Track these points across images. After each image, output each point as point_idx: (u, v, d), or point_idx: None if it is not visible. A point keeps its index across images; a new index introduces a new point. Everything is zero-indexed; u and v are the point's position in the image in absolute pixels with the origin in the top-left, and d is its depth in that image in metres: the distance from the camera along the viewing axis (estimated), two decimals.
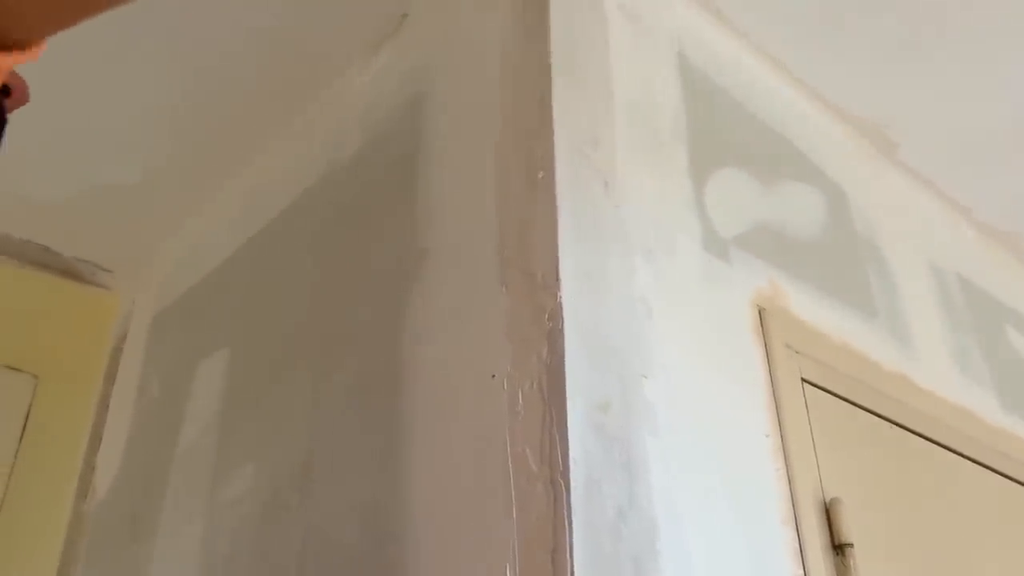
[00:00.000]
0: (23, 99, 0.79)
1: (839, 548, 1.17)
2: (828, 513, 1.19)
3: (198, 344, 1.81)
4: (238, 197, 1.93)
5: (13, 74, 0.76)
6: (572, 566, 0.88)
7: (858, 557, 1.17)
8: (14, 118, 0.75)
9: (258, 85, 1.74)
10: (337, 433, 1.30)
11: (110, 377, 2.17)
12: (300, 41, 1.65)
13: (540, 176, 1.14)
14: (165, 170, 1.95)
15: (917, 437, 1.44)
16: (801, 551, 1.12)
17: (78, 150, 1.90)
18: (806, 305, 1.39)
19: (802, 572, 1.11)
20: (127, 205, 2.05)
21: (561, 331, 1.01)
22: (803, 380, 1.28)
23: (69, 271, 2.26)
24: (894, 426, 1.41)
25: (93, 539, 1.87)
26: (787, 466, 1.18)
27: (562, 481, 0.93)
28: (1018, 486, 1.58)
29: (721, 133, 1.44)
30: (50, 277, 2.24)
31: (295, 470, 1.34)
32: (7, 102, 0.76)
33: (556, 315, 1.03)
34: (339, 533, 1.20)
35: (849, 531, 1.17)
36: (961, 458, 1.51)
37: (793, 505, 1.15)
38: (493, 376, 1.07)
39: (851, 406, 1.35)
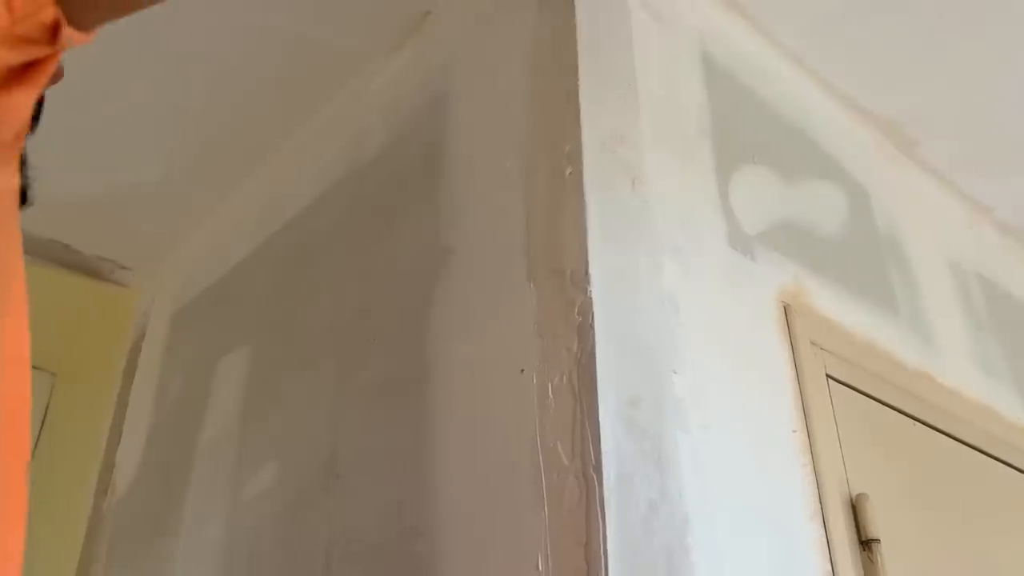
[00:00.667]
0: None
1: (866, 543, 1.17)
2: (854, 508, 1.19)
3: (219, 341, 1.82)
4: (258, 195, 1.93)
5: None
6: (605, 559, 0.88)
7: (884, 553, 1.17)
8: None
9: (279, 83, 1.75)
10: (362, 430, 1.30)
11: (129, 374, 2.18)
12: (321, 40, 1.66)
13: (568, 172, 1.14)
14: (185, 168, 1.96)
15: (940, 434, 1.44)
16: (828, 546, 1.13)
17: (99, 149, 1.91)
18: (830, 302, 1.39)
19: (830, 567, 1.11)
20: (147, 203, 2.06)
21: (591, 326, 1.02)
22: (828, 376, 1.28)
23: (89, 269, 2.27)
24: (917, 423, 1.41)
25: (114, 536, 1.88)
26: (814, 462, 1.18)
27: (594, 474, 0.93)
28: None
29: (745, 131, 1.45)
30: (70, 275, 2.25)
31: (319, 467, 1.35)
32: None
33: (586, 310, 1.03)
34: (365, 529, 1.21)
35: (876, 526, 1.17)
36: (984, 456, 1.51)
37: (820, 500, 1.15)
38: (522, 371, 1.07)
39: (875, 403, 1.35)
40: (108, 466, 2.06)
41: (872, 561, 1.16)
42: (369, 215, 1.53)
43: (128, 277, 2.31)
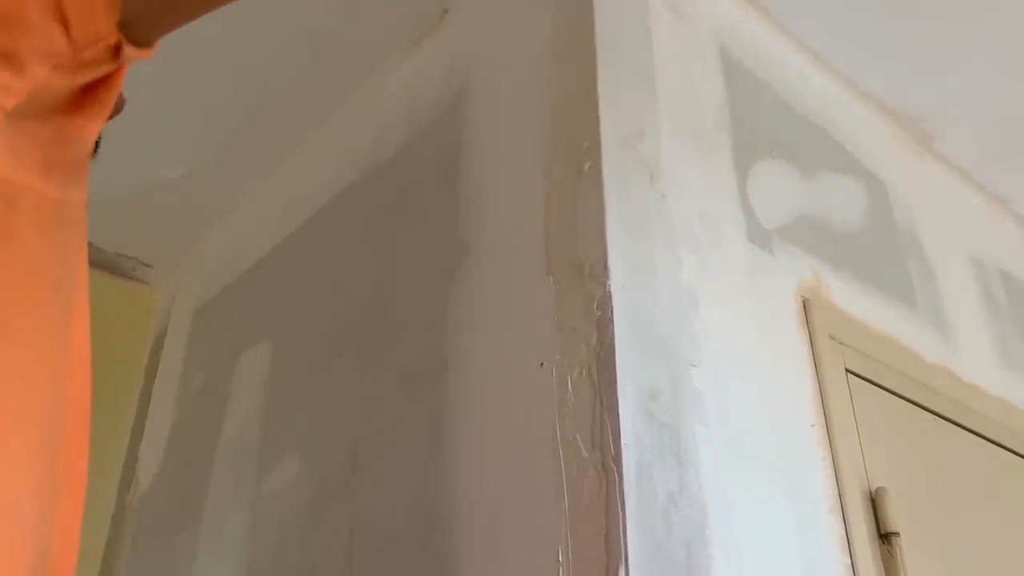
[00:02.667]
0: (119, 107, 0.81)
1: (885, 537, 1.17)
2: (874, 502, 1.19)
3: (241, 337, 1.84)
4: (279, 192, 1.95)
5: None
6: (625, 549, 0.89)
7: (904, 546, 1.17)
8: None
9: (299, 81, 1.76)
10: (384, 423, 1.31)
11: (151, 370, 2.20)
12: (340, 37, 1.67)
13: (587, 167, 1.15)
14: (206, 166, 1.98)
15: (960, 429, 1.44)
16: (848, 539, 1.13)
17: (120, 147, 1.93)
18: (849, 296, 1.39)
19: (849, 560, 1.12)
20: (168, 201, 2.08)
21: (611, 319, 1.02)
22: (847, 371, 1.28)
23: (110, 266, 2.29)
24: (937, 418, 1.41)
25: (137, 530, 1.90)
26: (833, 455, 1.18)
27: (614, 466, 0.94)
28: None
29: (763, 126, 1.45)
30: (91, 272, 2.27)
31: (341, 460, 1.36)
32: None
33: (605, 304, 1.04)
34: (387, 521, 1.22)
35: (895, 520, 1.17)
36: (1004, 450, 1.50)
37: (839, 494, 1.16)
38: (541, 364, 1.08)
39: (894, 397, 1.35)
40: (131, 460, 2.08)
41: (891, 555, 1.16)
42: (389, 211, 1.54)
43: (149, 274, 2.33)
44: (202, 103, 1.82)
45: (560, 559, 0.94)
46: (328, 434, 1.42)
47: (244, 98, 1.81)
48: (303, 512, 1.40)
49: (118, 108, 0.77)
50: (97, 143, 0.71)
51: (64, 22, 0.47)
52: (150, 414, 2.10)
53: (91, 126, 0.55)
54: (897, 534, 1.17)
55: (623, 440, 0.95)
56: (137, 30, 0.51)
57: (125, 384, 2.25)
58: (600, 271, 1.06)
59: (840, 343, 1.29)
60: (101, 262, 2.27)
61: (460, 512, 1.10)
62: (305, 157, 1.90)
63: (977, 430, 1.47)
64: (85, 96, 0.53)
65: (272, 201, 1.97)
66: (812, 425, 1.19)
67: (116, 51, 0.51)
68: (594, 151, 1.15)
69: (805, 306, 1.28)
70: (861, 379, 1.30)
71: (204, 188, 2.04)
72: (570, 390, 1.03)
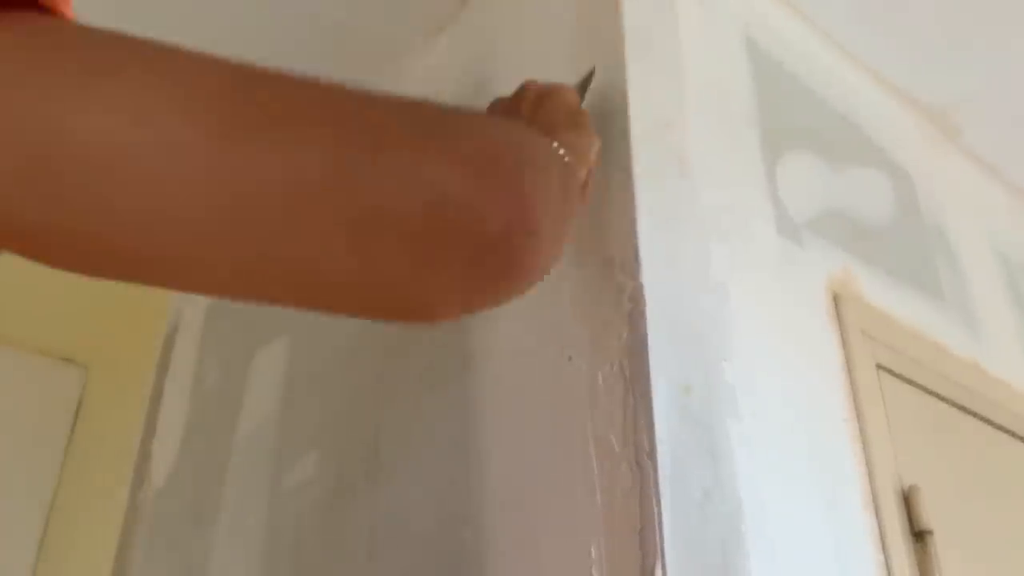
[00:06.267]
0: None
1: (919, 535, 1.15)
2: (907, 500, 1.17)
3: (256, 333, 1.82)
4: None
5: None
6: (662, 546, 0.87)
7: (938, 544, 1.15)
8: None
9: (317, 73, 1.74)
10: (406, 418, 1.29)
11: (162, 367, 2.19)
12: (359, 29, 1.66)
13: (616, 158, 1.13)
14: None
15: (991, 426, 1.42)
16: (881, 537, 1.11)
17: None
18: (878, 291, 1.37)
19: (883, 557, 1.10)
20: None
21: (642, 312, 1.00)
22: (878, 366, 1.26)
23: None
24: (968, 415, 1.39)
25: (152, 527, 1.88)
26: (865, 452, 1.16)
27: (649, 462, 0.92)
28: None
29: (790, 118, 1.43)
30: None
31: (362, 457, 1.34)
32: None
33: (636, 297, 1.02)
34: (410, 518, 1.20)
35: (929, 518, 1.15)
36: None
37: (872, 491, 1.14)
38: (570, 359, 1.06)
39: (925, 393, 1.33)
40: (144, 457, 2.07)
41: (926, 553, 1.14)
42: None
43: None
44: None
45: (593, 556, 0.92)
46: (347, 431, 1.40)
47: None
48: (322, 510, 1.38)
49: None
50: None
51: None
52: (162, 411, 2.08)
53: None
54: (931, 532, 1.15)
55: (657, 436, 0.93)
56: None
57: (136, 382, 2.24)
58: (631, 263, 1.04)
59: (871, 338, 1.27)
60: None
61: (487, 508, 1.08)
62: None
63: (1007, 426, 1.45)
64: None
65: None
66: (844, 421, 1.17)
67: None
68: (623, 142, 1.13)
69: (835, 300, 1.26)
70: (892, 375, 1.28)
71: None
72: (601, 384, 1.01)
